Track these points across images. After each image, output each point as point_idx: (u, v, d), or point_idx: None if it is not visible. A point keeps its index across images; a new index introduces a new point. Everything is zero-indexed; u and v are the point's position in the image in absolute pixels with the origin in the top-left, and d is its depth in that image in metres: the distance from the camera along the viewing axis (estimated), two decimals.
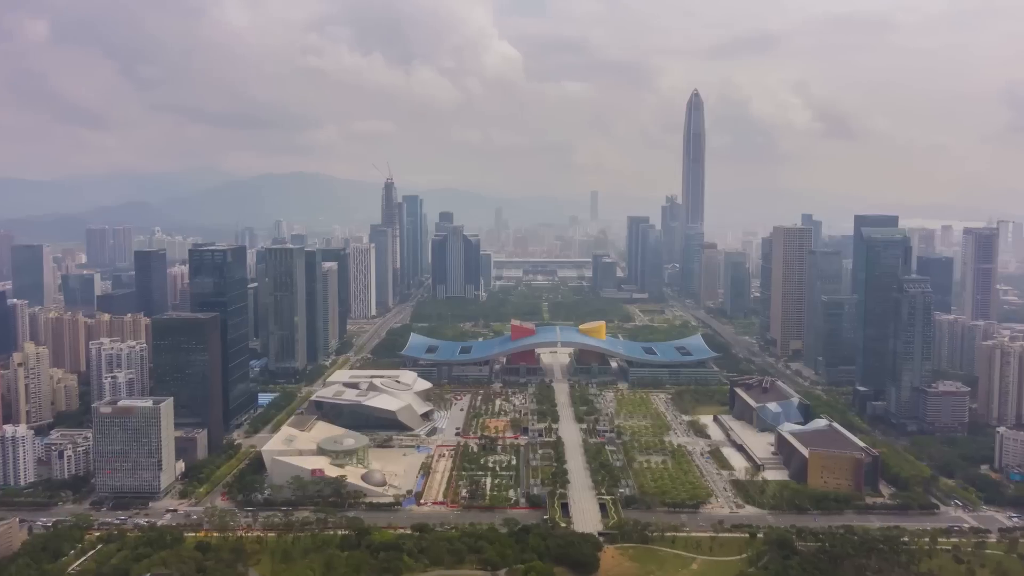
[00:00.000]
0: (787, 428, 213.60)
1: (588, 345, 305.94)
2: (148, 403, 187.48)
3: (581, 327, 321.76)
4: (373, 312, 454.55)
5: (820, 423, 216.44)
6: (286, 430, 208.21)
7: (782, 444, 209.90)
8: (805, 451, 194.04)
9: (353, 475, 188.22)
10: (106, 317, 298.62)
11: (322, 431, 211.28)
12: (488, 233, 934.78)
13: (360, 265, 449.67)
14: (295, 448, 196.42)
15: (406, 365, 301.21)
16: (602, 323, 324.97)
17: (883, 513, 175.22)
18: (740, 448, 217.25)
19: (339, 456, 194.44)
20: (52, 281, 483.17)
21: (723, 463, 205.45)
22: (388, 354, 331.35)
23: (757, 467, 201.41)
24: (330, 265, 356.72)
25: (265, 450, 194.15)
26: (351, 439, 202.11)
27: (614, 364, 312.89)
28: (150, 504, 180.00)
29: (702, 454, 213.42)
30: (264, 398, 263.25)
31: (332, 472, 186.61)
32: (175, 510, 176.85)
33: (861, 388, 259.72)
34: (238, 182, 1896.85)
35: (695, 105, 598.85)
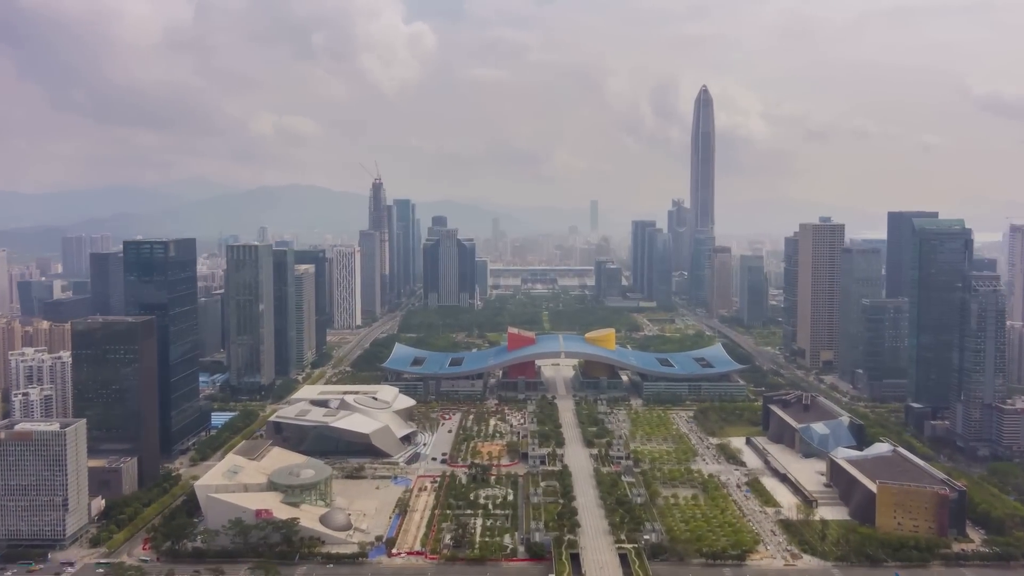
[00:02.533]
0: (842, 454, 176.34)
1: (596, 356, 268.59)
2: (54, 427, 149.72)
3: (587, 336, 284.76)
4: (358, 322, 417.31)
5: (882, 448, 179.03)
6: (231, 459, 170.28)
7: (837, 474, 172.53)
8: (871, 484, 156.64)
9: (309, 516, 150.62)
10: (45, 324, 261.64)
11: (277, 459, 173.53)
12: (485, 243, 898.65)
13: (344, 271, 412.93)
14: (239, 482, 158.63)
15: (388, 379, 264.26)
16: (611, 331, 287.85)
17: (980, 565, 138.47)
18: (784, 478, 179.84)
19: (294, 492, 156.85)
20: (8, 288, 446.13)
21: (766, 498, 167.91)
22: (371, 367, 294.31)
23: (809, 503, 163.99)
24: (306, 268, 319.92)
25: (199, 485, 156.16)
26: (310, 470, 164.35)
27: (625, 378, 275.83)
28: (50, 555, 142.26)
29: (739, 486, 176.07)
30: (220, 418, 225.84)
31: (283, 513, 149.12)
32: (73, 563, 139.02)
33: (915, 405, 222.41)
34: (232, 194, 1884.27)
35: (704, 102, 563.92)
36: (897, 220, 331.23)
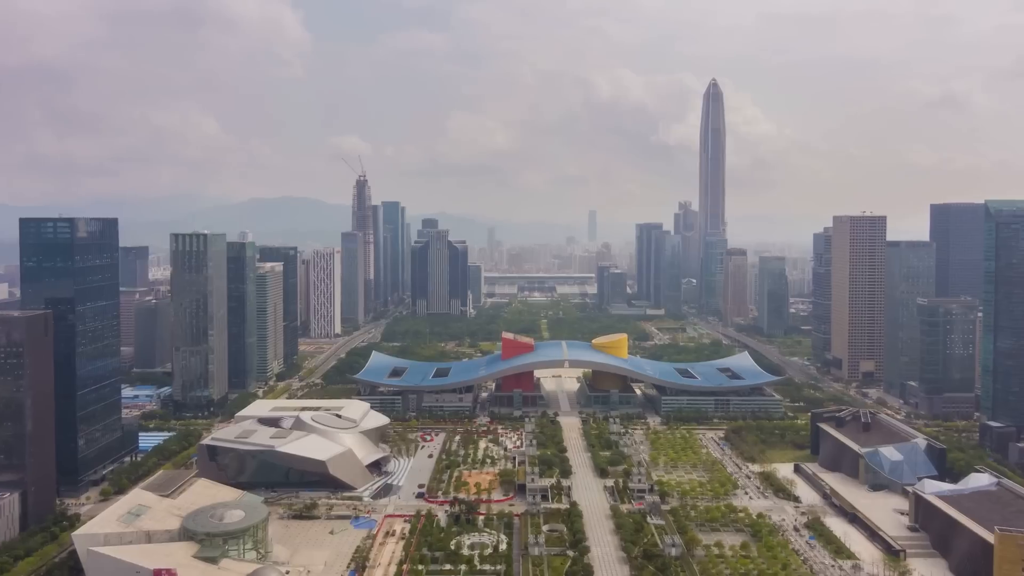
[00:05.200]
0: (930, 488, 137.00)
1: (606, 365, 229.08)
2: None
3: (595, 342, 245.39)
4: (338, 330, 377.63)
5: (981, 479, 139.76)
6: (136, 496, 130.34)
7: (927, 514, 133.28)
8: (983, 531, 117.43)
9: None
10: None
11: (199, 495, 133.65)
12: (480, 252, 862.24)
13: (322, 273, 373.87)
14: (140, 528, 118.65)
15: (361, 393, 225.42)
16: (622, 336, 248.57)
17: None
18: (854, 519, 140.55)
19: (213, 541, 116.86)
20: None
21: (837, 546, 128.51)
22: (344, 379, 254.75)
23: (895, 554, 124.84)
24: (272, 266, 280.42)
25: (80, 535, 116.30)
26: (238, 511, 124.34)
27: (638, 391, 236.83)
28: None
29: (797, 529, 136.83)
30: (151, 440, 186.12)
31: (194, 573, 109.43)
32: None
33: (993, 424, 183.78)
34: (224, 206, 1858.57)
35: (713, 96, 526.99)
36: (942, 213, 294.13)
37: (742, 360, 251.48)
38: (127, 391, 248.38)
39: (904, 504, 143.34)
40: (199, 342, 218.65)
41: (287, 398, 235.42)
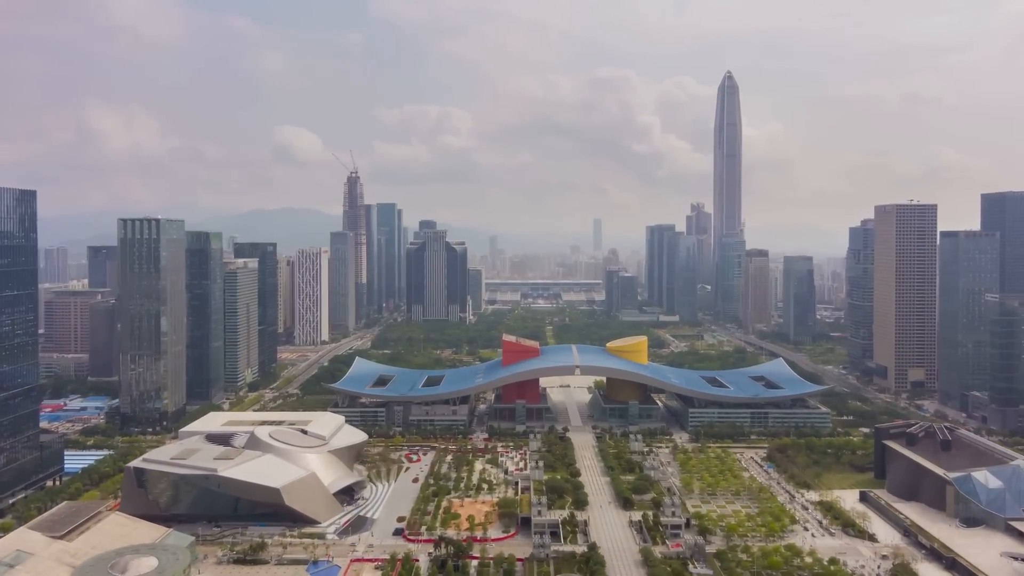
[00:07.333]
0: None
1: (624, 372, 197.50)
2: None
3: (610, 346, 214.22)
4: (325, 337, 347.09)
5: None
6: (17, 538, 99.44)
7: None
8: None
9: None
10: None
11: (107, 535, 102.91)
12: (482, 260, 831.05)
13: (308, 276, 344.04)
14: None
15: (340, 404, 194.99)
16: (642, 339, 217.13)
17: None
18: (952, 564, 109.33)
19: None
20: None
21: None
22: (325, 390, 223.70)
23: None
24: (245, 262, 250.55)
25: None
26: (150, 558, 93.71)
27: (659, 403, 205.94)
28: None
29: None
30: (81, 460, 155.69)
31: None
32: None
33: None
34: (224, 217, 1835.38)
35: (728, 90, 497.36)
36: (997, 203, 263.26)
37: (777, 367, 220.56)
38: (76, 402, 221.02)
39: (1014, 545, 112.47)
40: (151, 346, 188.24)
41: (257, 410, 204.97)
